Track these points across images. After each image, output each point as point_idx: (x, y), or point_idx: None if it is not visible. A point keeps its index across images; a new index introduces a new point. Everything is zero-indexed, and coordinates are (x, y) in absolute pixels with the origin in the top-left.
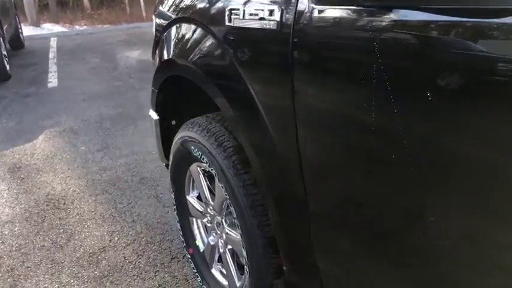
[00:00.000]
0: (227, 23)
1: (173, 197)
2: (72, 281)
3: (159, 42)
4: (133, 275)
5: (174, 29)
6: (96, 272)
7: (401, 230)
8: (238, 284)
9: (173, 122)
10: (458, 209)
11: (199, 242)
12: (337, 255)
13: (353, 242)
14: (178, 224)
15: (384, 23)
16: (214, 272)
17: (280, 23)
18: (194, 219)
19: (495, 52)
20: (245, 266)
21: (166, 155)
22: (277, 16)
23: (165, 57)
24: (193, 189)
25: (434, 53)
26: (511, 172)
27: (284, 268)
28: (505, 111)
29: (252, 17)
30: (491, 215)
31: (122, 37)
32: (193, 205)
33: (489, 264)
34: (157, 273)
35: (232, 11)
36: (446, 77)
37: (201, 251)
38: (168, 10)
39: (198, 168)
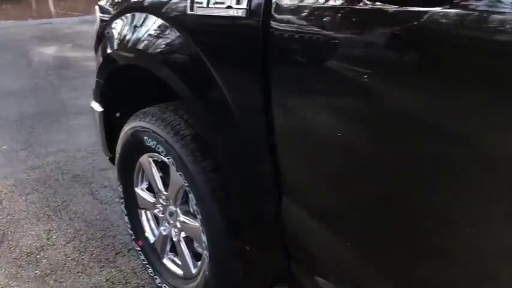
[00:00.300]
0: (189, 12)
1: (121, 190)
2: (11, 282)
3: (103, 33)
4: (78, 272)
5: (124, 19)
6: (36, 272)
7: (375, 212)
8: (194, 271)
9: (117, 114)
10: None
11: (149, 234)
12: (308, 236)
13: (326, 224)
14: (126, 218)
15: (355, 6)
16: (166, 262)
17: (249, 11)
18: (143, 211)
19: None
20: (204, 252)
21: (110, 148)
22: (245, 4)
23: (113, 48)
24: (142, 181)
25: (399, 39)
26: None
27: (247, 248)
28: None
29: (217, 5)
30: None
31: (32, 33)
32: (142, 197)
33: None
34: (103, 269)
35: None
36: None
37: (152, 242)
38: (116, 0)
39: (150, 158)
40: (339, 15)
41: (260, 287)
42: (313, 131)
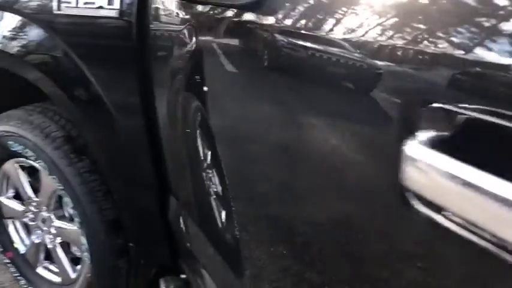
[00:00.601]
0: (56, 11)
1: None
2: None
3: None
4: None
5: None
6: None
7: (243, 212)
8: (73, 275)
9: None
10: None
11: (18, 244)
12: (191, 233)
13: (204, 224)
14: None
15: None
16: (41, 270)
17: (122, 11)
18: (10, 221)
19: None
20: (84, 254)
21: None
22: (117, 4)
23: None
24: (7, 189)
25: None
26: None
27: (130, 244)
28: None
29: (88, 5)
30: None
31: None
32: (9, 206)
33: None
34: None
35: None
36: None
37: (22, 252)
38: None
39: (16, 164)
40: (212, 14)
41: (143, 282)
42: (193, 130)
